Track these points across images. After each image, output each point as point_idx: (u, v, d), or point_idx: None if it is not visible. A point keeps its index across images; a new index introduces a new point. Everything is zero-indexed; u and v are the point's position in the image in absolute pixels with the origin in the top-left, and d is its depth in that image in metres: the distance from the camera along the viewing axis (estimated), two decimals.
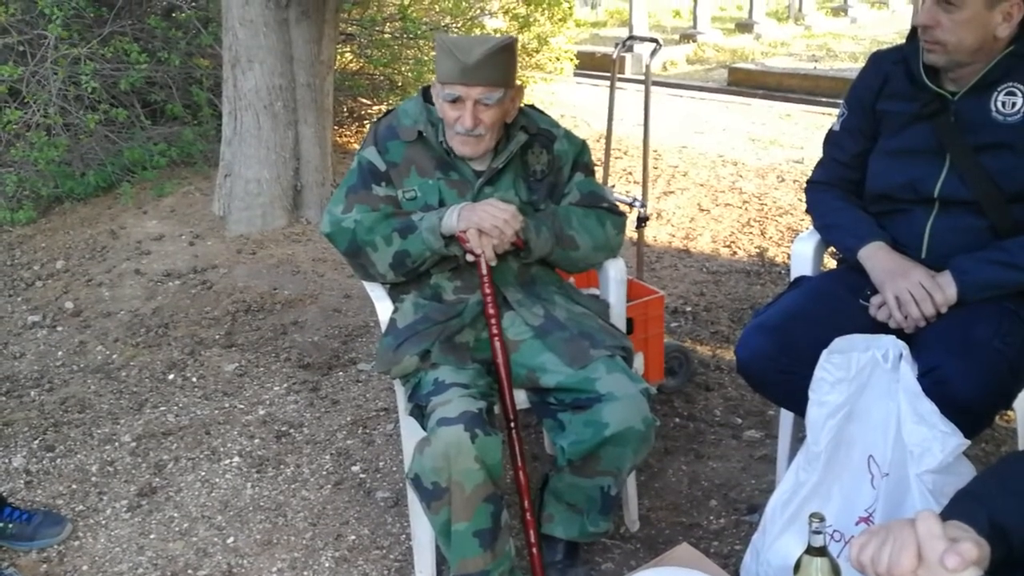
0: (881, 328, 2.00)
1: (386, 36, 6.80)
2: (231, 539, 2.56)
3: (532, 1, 7.51)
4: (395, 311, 2.26)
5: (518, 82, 2.21)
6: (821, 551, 1.39)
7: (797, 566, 1.42)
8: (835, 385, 1.78)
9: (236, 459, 2.94)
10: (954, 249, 2.02)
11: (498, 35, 2.36)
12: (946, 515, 1.26)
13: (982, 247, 2.00)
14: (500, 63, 2.09)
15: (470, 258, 2.13)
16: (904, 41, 2.16)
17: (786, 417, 2.42)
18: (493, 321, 2.13)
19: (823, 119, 7.63)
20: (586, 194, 2.30)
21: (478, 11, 7.63)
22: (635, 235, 3.52)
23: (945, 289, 1.97)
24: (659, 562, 1.84)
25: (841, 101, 2.30)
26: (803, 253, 2.37)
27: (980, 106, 2.01)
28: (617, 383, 2.03)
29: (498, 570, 2.04)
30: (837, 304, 2.10)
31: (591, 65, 10.64)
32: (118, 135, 5.51)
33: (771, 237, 4.82)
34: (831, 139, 2.31)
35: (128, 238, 4.73)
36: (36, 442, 3.06)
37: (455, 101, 2.10)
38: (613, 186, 5.60)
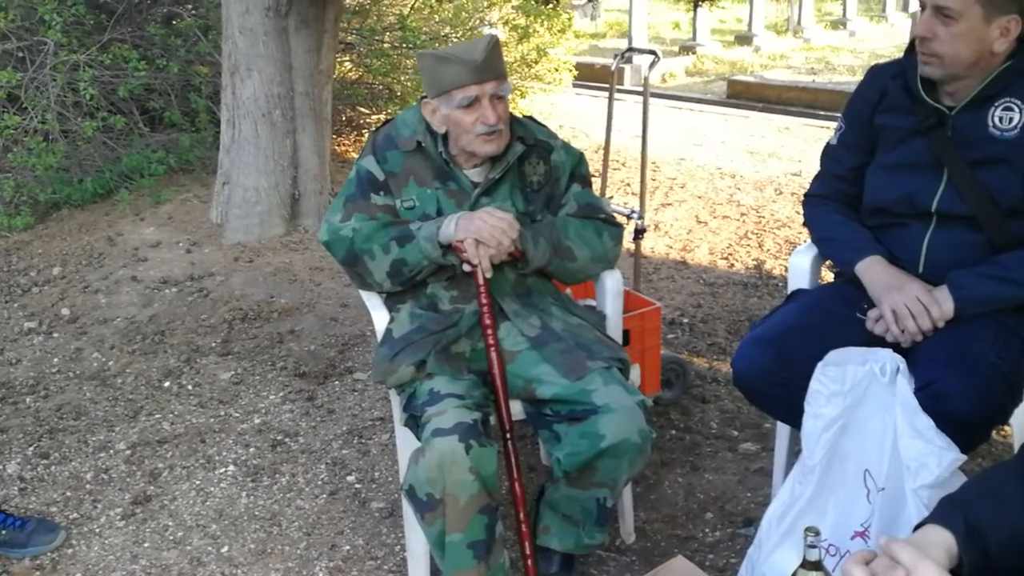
0: (878, 342, 2.00)
1: (385, 46, 6.81)
2: (225, 548, 2.55)
3: (531, 12, 7.52)
4: (391, 321, 2.25)
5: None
6: (816, 565, 1.38)
7: None
8: (830, 398, 1.78)
9: (231, 468, 2.93)
10: (951, 264, 2.02)
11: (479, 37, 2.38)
12: (927, 520, 1.29)
13: (979, 262, 2.00)
14: (499, 57, 2.15)
15: (467, 268, 2.13)
16: (902, 55, 2.17)
17: (782, 430, 2.41)
18: (489, 332, 2.13)
19: (821, 132, 7.64)
20: (583, 205, 2.30)
21: (477, 21, 7.64)
22: (632, 246, 3.52)
23: (942, 304, 1.97)
24: (655, 575, 1.83)
25: (839, 114, 2.31)
26: (800, 266, 2.37)
27: (977, 121, 2.01)
28: (613, 395, 2.02)
29: None
30: (834, 317, 2.10)
31: (590, 76, 10.66)
32: (116, 142, 5.51)
33: (768, 250, 4.82)
34: (829, 153, 2.31)
35: (125, 245, 4.73)
36: (31, 449, 3.05)
37: (471, 104, 2.10)
38: (611, 197, 5.61)
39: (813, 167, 2.43)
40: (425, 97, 2.20)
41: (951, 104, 2.04)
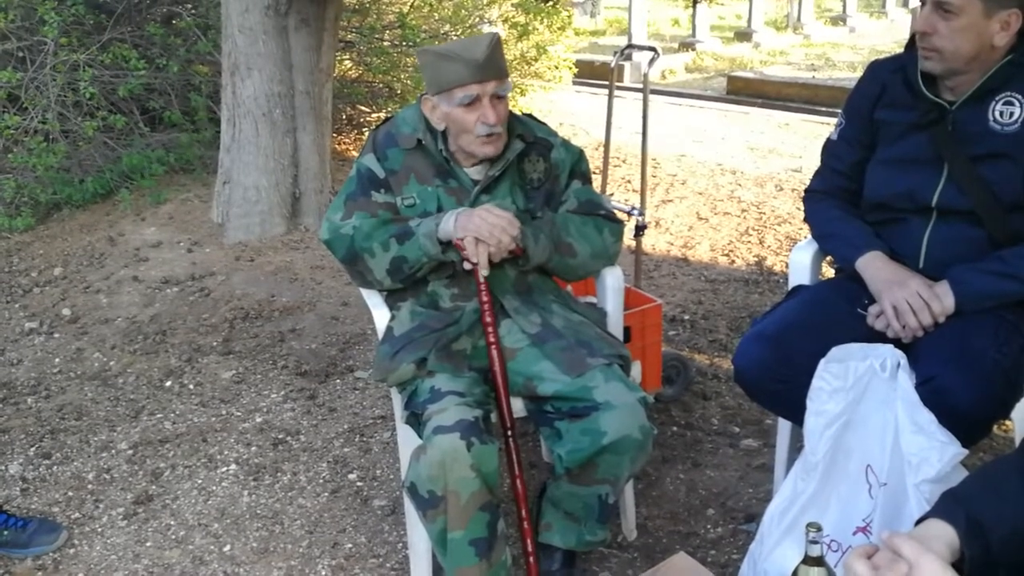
0: (879, 338, 2.00)
1: (385, 44, 6.81)
2: (227, 547, 2.56)
3: (531, 10, 7.52)
4: (392, 319, 2.25)
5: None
6: (818, 561, 1.39)
7: None
8: (833, 394, 1.78)
9: (233, 467, 2.93)
10: (952, 259, 2.02)
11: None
12: (928, 515, 1.30)
13: (980, 257, 2.00)
14: (501, 55, 2.14)
15: (467, 265, 2.13)
16: (902, 50, 2.17)
17: (784, 426, 2.41)
18: (490, 329, 2.13)
19: (821, 128, 7.63)
20: (583, 202, 2.30)
21: (477, 19, 7.64)
22: (633, 243, 3.52)
23: (943, 299, 1.97)
24: (656, 571, 1.83)
25: (839, 110, 2.31)
26: (801, 262, 2.37)
27: (978, 115, 2.01)
28: (614, 392, 2.02)
29: None
30: (835, 313, 2.09)
31: (590, 74, 10.65)
32: (117, 142, 5.51)
33: (769, 246, 4.82)
34: (829, 148, 2.31)
35: (126, 245, 4.73)
36: (33, 449, 3.05)
37: (472, 103, 2.09)
38: (612, 194, 5.61)
39: (813, 163, 2.42)
40: (425, 94, 2.20)
41: (951, 99, 2.04)
